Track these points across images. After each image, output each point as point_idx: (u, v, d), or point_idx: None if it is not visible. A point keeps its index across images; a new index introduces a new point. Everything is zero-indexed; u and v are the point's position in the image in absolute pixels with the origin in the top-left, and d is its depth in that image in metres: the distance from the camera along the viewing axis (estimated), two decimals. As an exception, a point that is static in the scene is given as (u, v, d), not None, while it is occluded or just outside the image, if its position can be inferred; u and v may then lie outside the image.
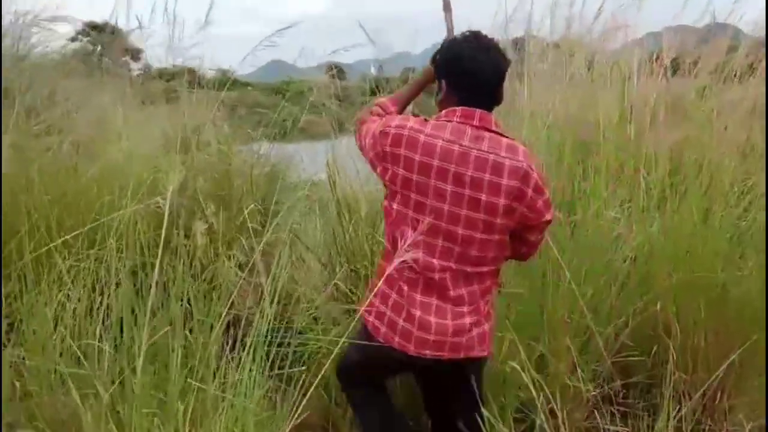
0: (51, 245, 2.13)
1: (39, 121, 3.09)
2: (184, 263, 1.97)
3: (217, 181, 3.27)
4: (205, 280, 2.35)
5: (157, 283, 1.57)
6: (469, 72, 1.56)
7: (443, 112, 1.62)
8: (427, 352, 1.59)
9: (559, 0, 2.97)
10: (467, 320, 1.59)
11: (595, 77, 3.05)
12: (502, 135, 1.57)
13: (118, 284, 1.91)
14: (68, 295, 2.03)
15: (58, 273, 2.10)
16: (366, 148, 1.68)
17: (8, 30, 3.49)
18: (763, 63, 2.72)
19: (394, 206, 1.61)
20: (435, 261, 1.57)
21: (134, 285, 1.87)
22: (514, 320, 2.10)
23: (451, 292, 1.58)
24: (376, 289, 1.63)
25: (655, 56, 3.21)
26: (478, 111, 1.56)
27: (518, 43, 3.59)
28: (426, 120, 1.61)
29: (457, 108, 1.58)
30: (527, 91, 2.86)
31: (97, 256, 2.19)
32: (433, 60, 1.69)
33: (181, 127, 3.29)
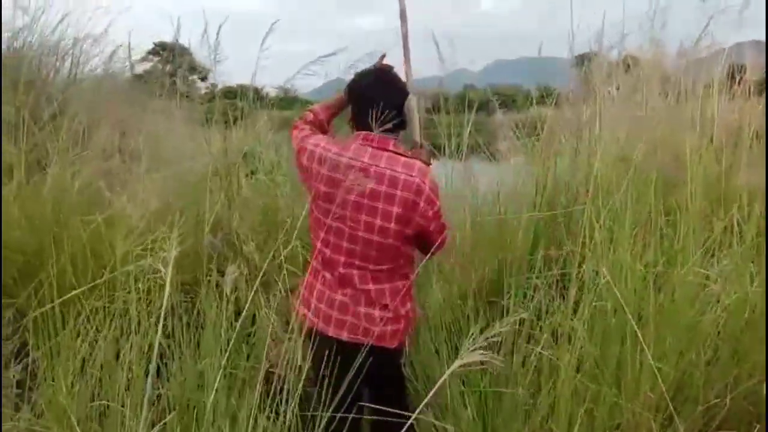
0: (76, 291, 1.96)
1: (88, 146, 3.15)
2: (218, 306, 1.83)
3: (261, 214, 3.23)
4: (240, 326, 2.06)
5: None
6: (367, 104, 1.81)
7: (354, 134, 1.90)
8: (344, 333, 1.84)
9: (628, 14, 2.83)
10: (377, 313, 1.84)
11: (672, 101, 2.84)
12: (400, 154, 1.84)
13: (146, 331, 1.76)
14: (93, 342, 1.88)
15: (83, 318, 1.95)
16: (295, 154, 1.96)
17: (68, 52, 3.62)
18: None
19: (314, 212, 1.89)
20: (341, 258, 1.85)
21: (165, 329, 1.78)
22: (589, 395, 1.85)
23: (359, 286, 1.84)
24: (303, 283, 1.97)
25: (727, 74, 2.97)
26: (377, 135, 1.81)
27: (583, 60, 3.43)
28: (336, 140, 1.92)
29: (361, 132, 1.86)
30: (596, 118, 2.69)
31: (125, 298, 1.99)
32: (348, 92, 1.98)
33: (230, 151, 3.26)
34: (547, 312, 2.11)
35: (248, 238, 2.85)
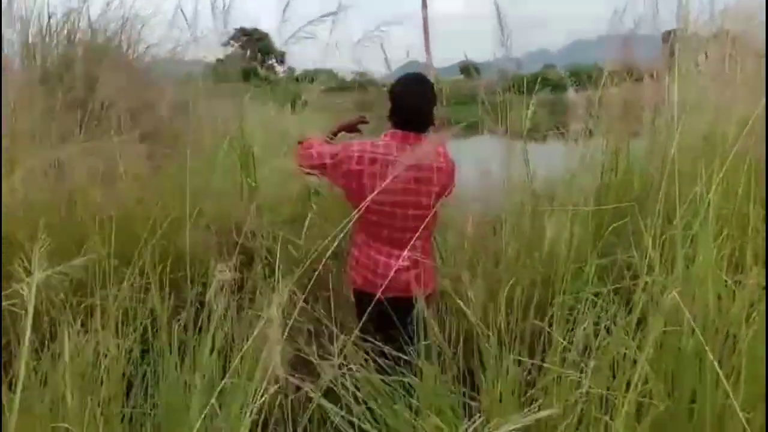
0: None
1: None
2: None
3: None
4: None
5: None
6: (407, 109, 2.27)
7: (391, 131, 2.29)
8: (397, 292, 2.14)
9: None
10: (412, 272, 2.24)
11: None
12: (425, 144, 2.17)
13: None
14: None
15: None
16: (328, 167, 2.31)
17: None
18: None
19: (371, 205, 2.07)
20: (394, 234, 2.27)
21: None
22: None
23: (406, 252, 2.14)
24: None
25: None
26: (412, 134, 2.25)
27: (670, 37, 3.26)
28: (372, 142, 2.28)
29: (398, 132, 2.27)
30: (677, 91, 2.35)
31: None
32: (390, 95, 2.33)
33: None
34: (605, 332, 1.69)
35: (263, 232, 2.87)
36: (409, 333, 1.91)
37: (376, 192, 1.72)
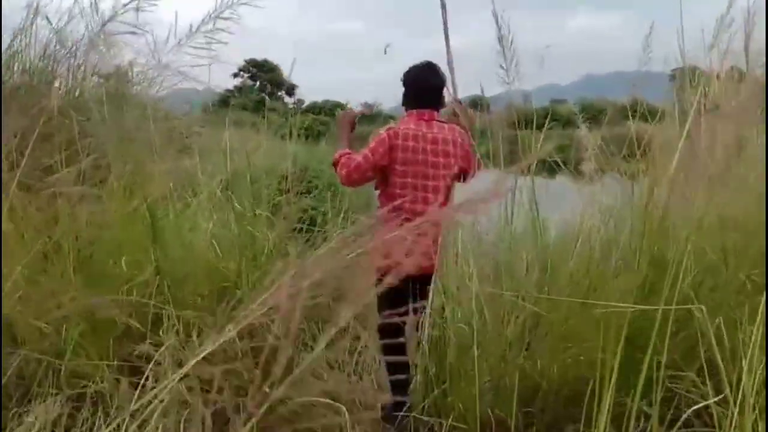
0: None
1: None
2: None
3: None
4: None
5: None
6: (414, 85, 2.54)
7: (407, 112, 2.55)
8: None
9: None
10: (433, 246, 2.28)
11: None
12: (442, 122, 2.53)
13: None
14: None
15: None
16: (369, 157, 2.42)
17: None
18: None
19: (396, 179, 2.44)
20: (418, 207, 2.38)
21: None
22: None
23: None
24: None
25: None
26: (427, 111, 2.50)
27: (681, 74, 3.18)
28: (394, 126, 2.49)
29: (413, 111, 2.52)
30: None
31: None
32: (403, 80, 2.59)
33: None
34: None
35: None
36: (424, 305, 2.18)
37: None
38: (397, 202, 2.37)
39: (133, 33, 2.93)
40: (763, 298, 1.55)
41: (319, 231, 3.20)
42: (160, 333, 2.11)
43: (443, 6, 2.55)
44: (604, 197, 2.56)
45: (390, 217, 2.31)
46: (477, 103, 3.89)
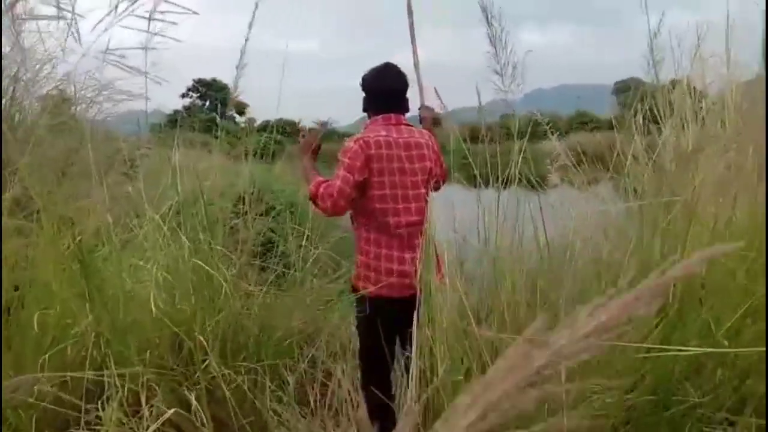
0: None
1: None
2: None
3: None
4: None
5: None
6: (386, 93, 2.37)
7: (371, 120, 2.38)
8: (411, 290, 2.03)
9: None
10: (416, 264, 2.04)
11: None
12: (409, 125, 2.39)
13: None
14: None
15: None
16: (349, 178, 2.22)
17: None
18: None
19: (374, 192, 2.25)
20: (401, 219, 2.26)
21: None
22: None
23: (416, 241, 2.11)
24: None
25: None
26: (393, 115, 2.35)
27: (626, 87, 3.21)
28: (361, 135, 2.29)
29: (378, 116, 2.35)
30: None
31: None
32: (362, 85, 2.43)
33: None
34: None
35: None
36: None
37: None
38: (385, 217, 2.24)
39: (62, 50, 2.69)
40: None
41: (279, 258, 3.02)
42: (100, 403, 1.74)
43: (410, 14, 2.48)
44: (591, 210, 2.32)
45: (376, 233, 2.25)
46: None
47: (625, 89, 3.33)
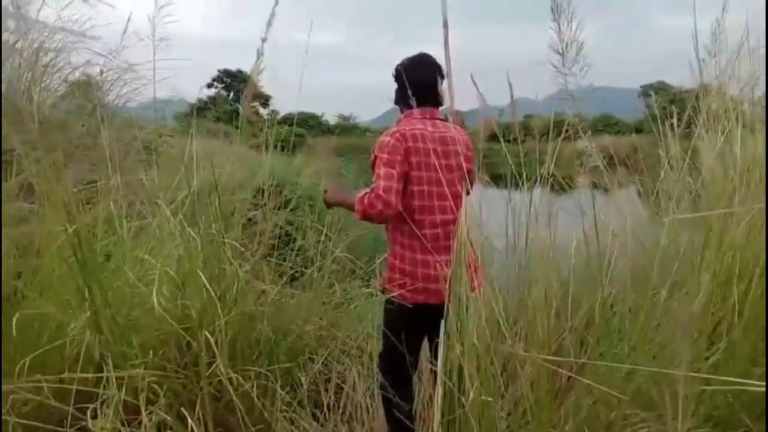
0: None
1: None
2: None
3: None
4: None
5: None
6: (421, 86, 2.19)
7: (405, 113, 2.29)
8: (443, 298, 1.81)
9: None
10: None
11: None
12: (445, 120, 2.27)
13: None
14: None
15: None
16: (392, 174, 2.09)
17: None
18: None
19: (413, 188, 2.14)
20: (438, 217, 2.15)
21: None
22: None
23: (450, 243, 1.87)
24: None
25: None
26: (429, 109, 2.24)
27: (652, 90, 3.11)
28: (397, 129, 2.18)
29: (413, 110, 2.16)
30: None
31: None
32: (396, 76, 2.32)
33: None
34: None
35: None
36: None
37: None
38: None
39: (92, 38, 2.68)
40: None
41: (297, 252, 2.96)
42: (93, 409, 1.58)
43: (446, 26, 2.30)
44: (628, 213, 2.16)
45: (411, 237, 2.13)
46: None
47: (651, 92, 3.18)
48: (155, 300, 1.85)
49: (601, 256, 1.84)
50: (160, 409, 1.65)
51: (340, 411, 2.32)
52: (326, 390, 2.38)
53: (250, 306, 2.14)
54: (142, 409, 1.58)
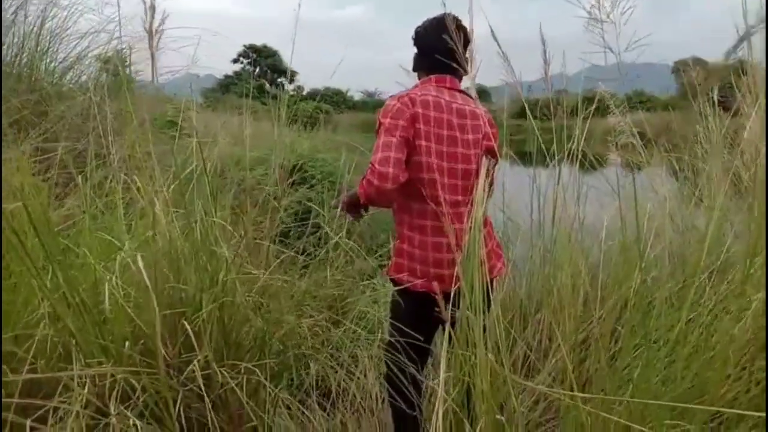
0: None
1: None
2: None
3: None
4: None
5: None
6: (440, 48, 1.91)
7: (421, 80, 2.07)
8: (446, 285, 1.77)
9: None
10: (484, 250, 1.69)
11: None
12: (466, 93, 2.06)
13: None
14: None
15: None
16: (391, 142, 1.85)
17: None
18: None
19: (421, 158, 1.90)
20: (449, 197, 1.91)
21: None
22: None
23: (463, 223, 1.75)
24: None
25: None
26: (449, 77, 2.03)
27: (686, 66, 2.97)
28: (410, 92, 1.96)
29: (432, 76, 2.02)
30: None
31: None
32: (415, 39, 2.11)
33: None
34: None
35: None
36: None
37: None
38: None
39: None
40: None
41: (315, 227, 2.89)
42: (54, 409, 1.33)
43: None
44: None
45: (420, 216, 1.92)
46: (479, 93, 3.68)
47: (686, 68, 3.04)
48: (118, 287, 1.61)
49: (639, 240, 1.65)
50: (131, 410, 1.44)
51: (349, 400, 2.15)
52: (334, 379, 2.17)
53: (242, 295, 1.85)
54: (112, 409, 1.35)
